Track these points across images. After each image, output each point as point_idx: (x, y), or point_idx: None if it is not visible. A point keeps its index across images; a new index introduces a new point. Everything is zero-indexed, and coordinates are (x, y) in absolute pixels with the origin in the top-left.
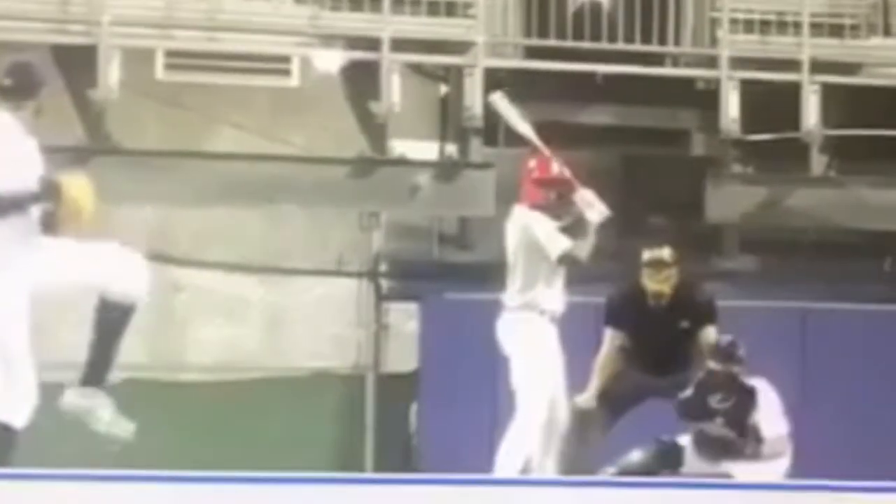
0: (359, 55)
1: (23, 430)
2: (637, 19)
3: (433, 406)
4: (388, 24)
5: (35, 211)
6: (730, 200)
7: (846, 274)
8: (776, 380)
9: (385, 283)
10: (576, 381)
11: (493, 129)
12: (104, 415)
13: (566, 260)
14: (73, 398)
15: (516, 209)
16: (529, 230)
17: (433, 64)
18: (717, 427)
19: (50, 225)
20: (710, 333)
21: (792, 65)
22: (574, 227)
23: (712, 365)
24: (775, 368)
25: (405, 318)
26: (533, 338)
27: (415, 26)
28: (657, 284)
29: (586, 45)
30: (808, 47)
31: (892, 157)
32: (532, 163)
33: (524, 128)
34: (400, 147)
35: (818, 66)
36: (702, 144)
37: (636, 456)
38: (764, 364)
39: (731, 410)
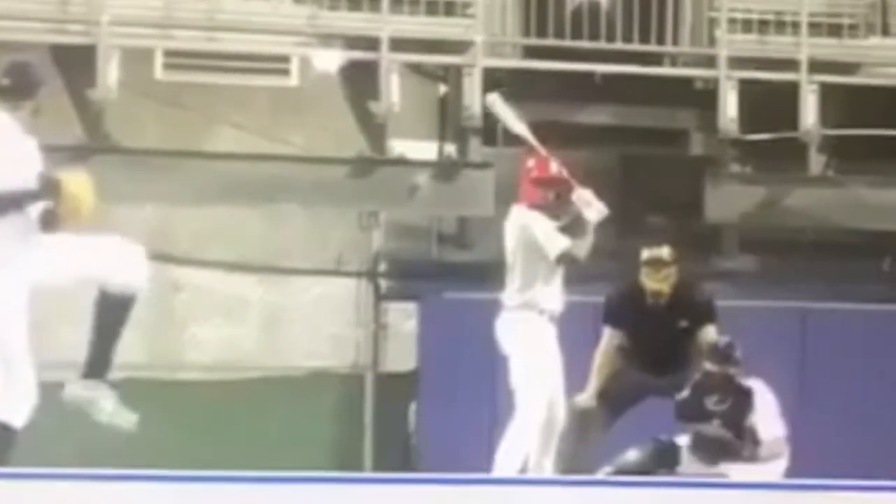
0: (358, 55)
1: (24, 428)
2: (635, 19)
3: (432, 406)
4: (387, 24)
5: (34, 210)
6: (729, 200)
7: (846, 274)
8: (776, 379)
9: (384, 283)
10: (575, 380)
11: (492, 128)
12: (107, 405)
13: (565, 259)
14: (76, 389)
15: (515, 209)
16: (528, 230)
17: (432, 64)
18: (714, 429)
19: (50, 222)
20: (709, 332)
21: (790, 64)
22: (573, 227)
23: (709, 366)
24: (775, 368)
25: (404, 318)
26: (532, 337)
27: (413, 26)
28: (656, 283)
29: (585, 44)
30: (807, 47)
31: (890, 156)
32: (531, 162)
33: (520, 128)
34: (399, 147)
35: (816, 66)
36: (700, 144)
37: (633, 455)
38: (764, 364)
39: (728, 412)
